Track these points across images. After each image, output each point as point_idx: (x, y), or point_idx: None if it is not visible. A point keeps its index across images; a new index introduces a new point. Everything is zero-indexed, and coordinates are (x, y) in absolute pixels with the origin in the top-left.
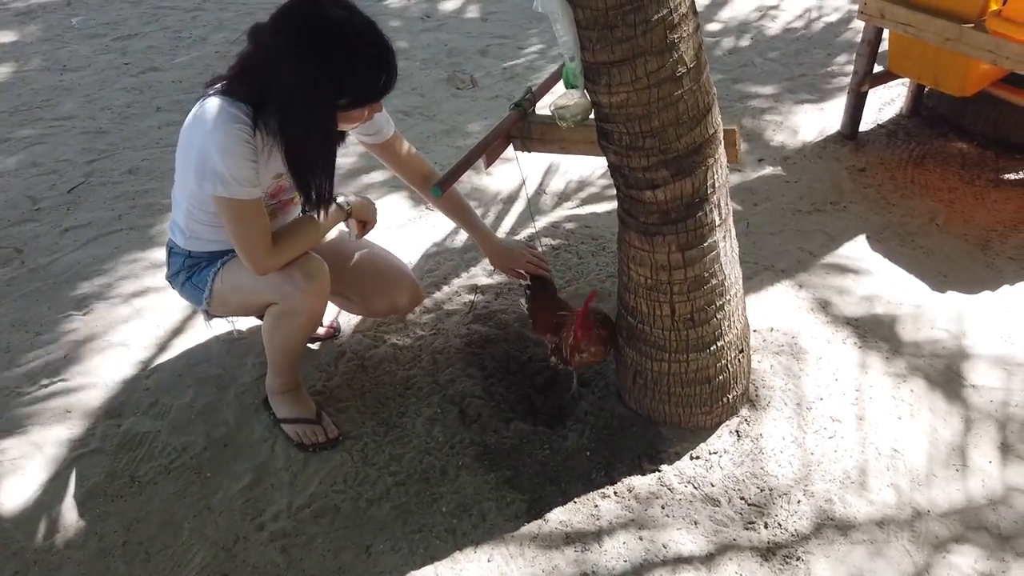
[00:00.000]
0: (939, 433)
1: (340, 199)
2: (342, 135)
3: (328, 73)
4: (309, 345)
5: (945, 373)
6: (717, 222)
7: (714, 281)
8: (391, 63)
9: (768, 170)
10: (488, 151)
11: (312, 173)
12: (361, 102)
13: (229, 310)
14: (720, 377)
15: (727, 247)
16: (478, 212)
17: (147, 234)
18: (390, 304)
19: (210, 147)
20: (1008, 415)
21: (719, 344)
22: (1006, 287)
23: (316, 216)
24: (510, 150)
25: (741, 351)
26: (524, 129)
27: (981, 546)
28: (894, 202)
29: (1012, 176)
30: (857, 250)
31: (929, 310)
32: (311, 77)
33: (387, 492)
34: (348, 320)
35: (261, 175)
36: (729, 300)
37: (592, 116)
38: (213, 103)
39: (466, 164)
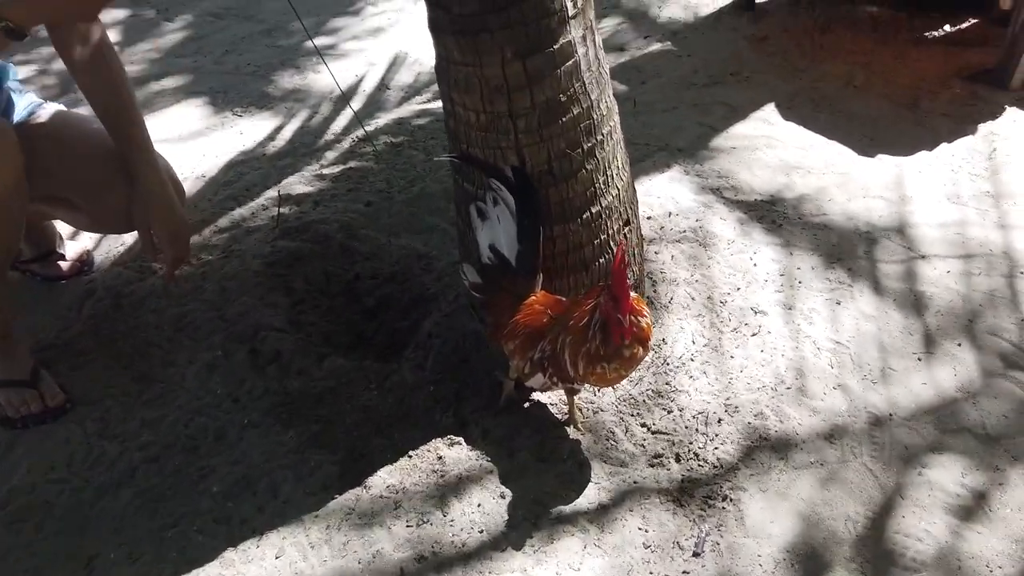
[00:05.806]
0: (890, 316)
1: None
2: None
3: None
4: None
5: (888, 245)
6: (570, 11)
7: (576, 110)
8: None
9: (656, 46)
10: None
11: None
12: None
13: None
14: (601, 260)
15: (591, 56)
16: (302, 113)
17: None
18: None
19: None
20: (972, 285)
21: (593, 210)
22: (944, 145)
23: None
24: None
25: (627, 223)
26: None
27: (964, 453)
28: (803, 67)
29: (933, 34)
30: (766, 120)
31: (859, 177)
32: None
33: (131, 473)
34: (108, 250)
35: None
36: (602, 142)
37: None
38: None
39: None
